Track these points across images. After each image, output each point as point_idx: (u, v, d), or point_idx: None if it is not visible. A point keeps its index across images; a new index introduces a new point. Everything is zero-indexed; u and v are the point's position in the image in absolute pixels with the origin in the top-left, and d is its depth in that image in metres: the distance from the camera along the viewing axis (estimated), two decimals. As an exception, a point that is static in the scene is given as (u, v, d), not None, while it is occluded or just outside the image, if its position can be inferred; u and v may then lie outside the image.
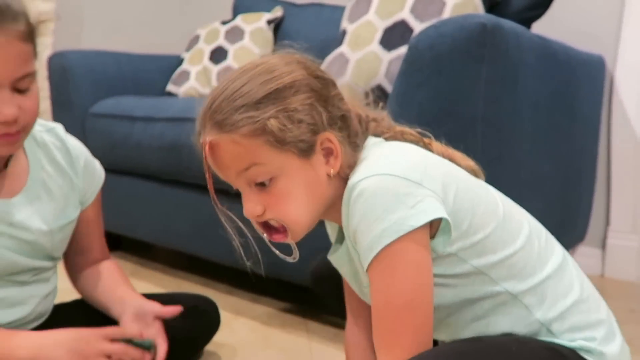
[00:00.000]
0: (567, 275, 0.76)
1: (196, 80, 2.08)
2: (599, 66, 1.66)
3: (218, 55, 2.07)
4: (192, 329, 1.08)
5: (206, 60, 2.08)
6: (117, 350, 0.87)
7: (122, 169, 1.74)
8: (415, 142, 0.82)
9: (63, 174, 0.97)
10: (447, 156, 0.81)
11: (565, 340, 0.73)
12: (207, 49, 2.11)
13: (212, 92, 0.75)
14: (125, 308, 0.97)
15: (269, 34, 2.10)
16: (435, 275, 0.70)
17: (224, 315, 1.14)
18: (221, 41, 2.09)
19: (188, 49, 2.21)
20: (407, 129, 0.83)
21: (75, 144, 1.01)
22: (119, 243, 1.99)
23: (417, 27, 1.50)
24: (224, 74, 2.01)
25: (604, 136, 1.84)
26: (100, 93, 1.93)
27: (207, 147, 0.72)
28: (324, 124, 0.73)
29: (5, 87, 0.78)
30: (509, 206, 0.79)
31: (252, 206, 0.73)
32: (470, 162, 0.83)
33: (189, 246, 1.64)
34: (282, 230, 0.75)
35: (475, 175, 0.82)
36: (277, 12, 2.17)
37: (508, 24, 1.07)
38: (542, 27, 1.67)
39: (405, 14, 1.53)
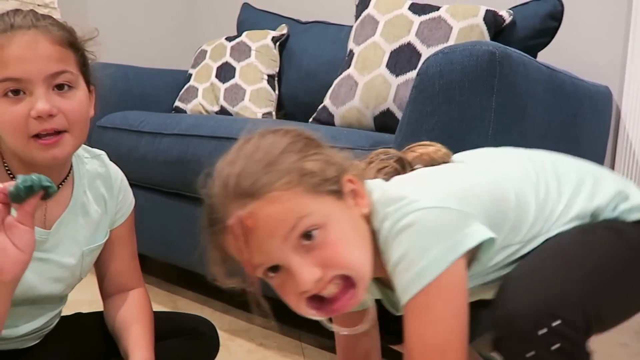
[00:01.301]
0: (586, 187, 0.79)
1: (203, 97, 2.08)
2: (605, 97, 1.66)
3: (225, 72, 2.07)
4: (190, 352, 1.06)
5: (213, 78, 2.09)
6: None
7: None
8: (398, 170, 0.81)
9: (100, 200, 0.98)
10: (427, 160, 0.81)
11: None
12: (214, 66, 2.11)
13: (217, 177, 0.71)
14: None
15: (274, 51, 2.10)
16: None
17: (221, 335, 1.12)
18: (227, 58, 2.09)
19: (194, 64, 2.21)
20: (380, 165, 0.82)
21: (116, 170, 1.03)
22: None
23: (424, 51, 1.51)
24: (231, 91, 2.02)
25: (608, 167, 1.83)
26: (107, 106, 1.93)
27: (244, 223, 0.66)
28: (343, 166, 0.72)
29: (39, 84, 0.78)
30: (502, 175, 0.79)
31: (309, 271, 0.67)
32: (442, 150, 0.84)
33: (186, 261, 1.63)
34: (343, 291, 0.69)
35: (449, 159, 0.83)
36: (283, 29, 2.18)
37: (516, 53, 1.07)
38: (547, 56, 1.68)
39: (412, 38, 1.55)
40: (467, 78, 1.02)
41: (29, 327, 0.93)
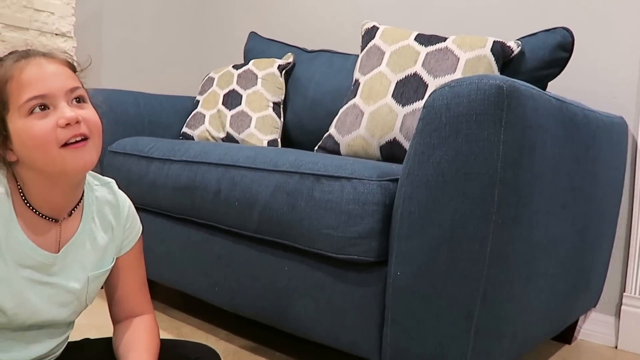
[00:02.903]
0: None
1: (210, 124, 2.10)
2: (620, 128, 1.65)
3: (232, 99, 2.09)
4: None
5: (220, 104, 2.10)
6: None
7: (135, 205, 1.71)
8: None
9: (107, 227, 1.00)
10: None
11: None
12: (221, 93, 2.13)
13: None
14: None
15: (281, 79, 2.12)
16: None
17: (225, 364, 1.12)
18: (234, 85, 2.11)
19: (202, 91, 2.23)
20: None
21: (124, 198, 1.05)
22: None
23: (431, 81, 1.52)
24: (238, 118, 2.03)
25: (626, 199, 1.79)
26: (118, 131, 1.95)
27: None
28: None
29: (61, 98, 0.83)
30: None
31: None
32: None
33: (191, 287, 1.63)
34: None
35: None
36: (289, 57, 2.21)
37: (524, 86, 1.08)
38: (558, 86, 1.68)
39: (418, 68, 1.56)
40: (474, 111, 1.03)
41: (37, 352, 0.94)
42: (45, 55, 0.86)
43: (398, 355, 1.17)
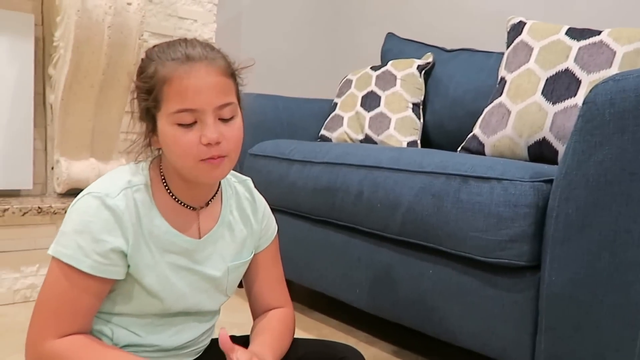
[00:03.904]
0: None
1: (348, 126, 2.12)
2: None
3: (370, 101, 2.10)
4: None
5: (358, 106, 2.12)
6: None
7: (275, 207, 1.79)
8: None
9: (246, 221, 1.04)
10: None
11: None
12: (359, 95, 2.15)
13: None
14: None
15: (420, 80, 2.09)
16: None
17: (366, 368, 1.12)
18: (372, 87, 2.12)
19: (340, 94, 2.26)
20: None
21: (260, 197, 1.08)
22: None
23: (584, 78, 1.43)
24: (376, 120, 2.04)
25: None
26: (258, 134, 2.03)
27: None
28: None
29: (209, 114, 0.85)
30: None
31: None
32: None
33: (331, 288, 1.65)
34: None
35: None
36: (428, 57, 2.17)
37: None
38: None
39: (570, 64, 1.47)
40: (642, 106, 0.95)
41: (186, 337, 0.98)
42: (207, 59, 0.86)
43: (552, 365, 1.11)
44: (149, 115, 0.88)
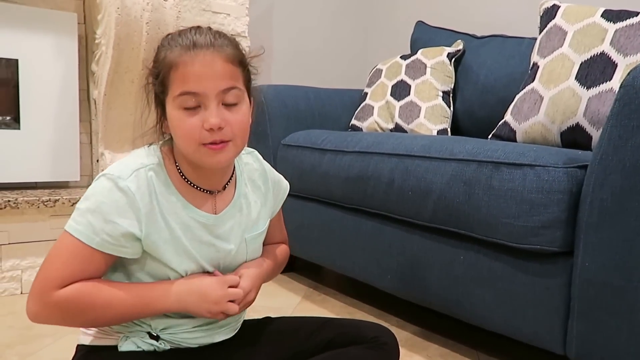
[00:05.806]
0: None
1: (379, 115, 2.12)
2: None
3: (400, 90, 2.10)
4: None
5: (388, 96, 2.12)
6: (237, 295, 0.94)
7: (308, 195, 1.83)
8: None
9: (258, 191, 1.07)
10: None
11: None
12: (389, 84, 2.15)
13: None
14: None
15: (450, 68, 2.08)
16: None
17: (398, 350, 1.13)
18: (402, 76, 2.12)
19: (370, 84, 2.26)
20: None
21: (266, 163, 1.12)
22: (292, 264, 2.10)
23: (621, 61, 1.41)
24: (406, 108, 2.04)
25: None
26: (290, 125, 2.05)
27: None
28: None
29: (212, 100, 0.87)
30: None
31: None
32: None
33: (362, 274, 1.67)
34: None
35: None
36: (458, 45, 2.16)
37: None
38: None
39: (605, 47, 1.45)
40: (679, 89, 0.94)
41: None
42: (214, 46, 0.87)
43: (585, 348, 1.10)
44: (158, 100, 0.91)
